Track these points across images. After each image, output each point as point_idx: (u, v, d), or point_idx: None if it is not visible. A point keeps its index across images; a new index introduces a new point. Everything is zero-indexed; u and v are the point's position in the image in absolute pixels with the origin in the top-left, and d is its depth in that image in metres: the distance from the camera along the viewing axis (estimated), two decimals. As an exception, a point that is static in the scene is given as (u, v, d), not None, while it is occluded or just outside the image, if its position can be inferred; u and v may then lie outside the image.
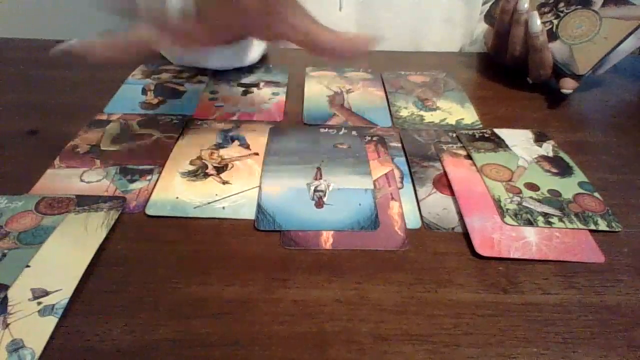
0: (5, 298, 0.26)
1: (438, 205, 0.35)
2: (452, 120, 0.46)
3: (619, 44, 0.47)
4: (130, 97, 0.48)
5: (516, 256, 0.31)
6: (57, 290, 0.27)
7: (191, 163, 0.38)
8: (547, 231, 0.33)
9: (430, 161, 0.39)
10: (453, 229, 0.33)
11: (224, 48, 0.48)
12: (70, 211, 0.32)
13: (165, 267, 0.30)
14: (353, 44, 0.34)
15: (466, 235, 0.32)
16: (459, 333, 0.26)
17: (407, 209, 0.34)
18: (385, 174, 0.38)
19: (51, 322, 0.25)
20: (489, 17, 0.56)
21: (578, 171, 0.39)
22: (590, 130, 0.46)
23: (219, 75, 0.53)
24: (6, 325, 0.25)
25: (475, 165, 0.39)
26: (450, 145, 0.42)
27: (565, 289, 0.29)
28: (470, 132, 0.44)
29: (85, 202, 0.33)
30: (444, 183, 0.37)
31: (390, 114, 0.47)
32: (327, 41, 0.33)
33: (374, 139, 0.42)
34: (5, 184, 0.35)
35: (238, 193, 0.35)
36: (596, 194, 0.36)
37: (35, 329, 0.25)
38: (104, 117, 0.45)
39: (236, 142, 0.41)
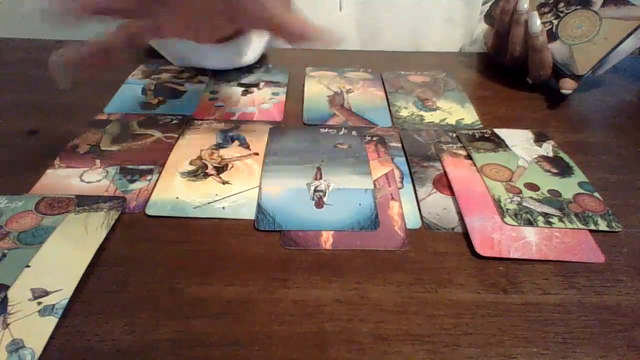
0: (5, 298, 0.26)
1: (438, 205, 0.35)
2: (452, 120, 0.46)
3: (618, 45, 0.47)
4: (130, 97, 0.48)
5: (516, 256, 0.31)
6: (57, 290, 0.27)
7: (191, 163, 0.39)
8: (547, 231, 0.33)
9: (430, 161, 0.39)
10: (453, 229, 0.33)
11: (221, 48, 0.48)
12: (70, 211, 0.32)
13: (165, 267, 0.30)
14: (313, 32, 0.34)
15: (466, 235, 0.32)
16: (459, 333, 0.26)
17: (407, 209, 0.34)
18: (385, 174, 0.38)
19: (51, 322, 0.25)
20: (489, 17, 0.56)
21: (578, 171, 0.39)
22: (590, 130, 0.46)
23: (219, 75, 0.53)
24: (6, 325, 0.25)
25: (475, 165, 0.39)
26: (450, 145, 0.42)
27: (565, 289, 0.29)
28: (470, 132, 0.44)
29: (85, 202, 0.33)
30: (444, 183, 0.37)
31: (390, 114, 0.47)
32: (296, 27, 0.33)
33: (374, 139, 0.42)
34: (5, 184, 0.35)
35: (238, 193, 0.35)
36: (596, 194, 0.36)
37: (35, 329, 0.25)
38: (104, 117, 0.45)
39: (236, 142, 0.41)
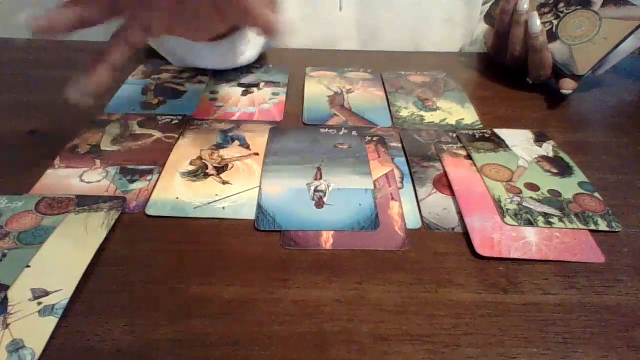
0: (5, 298, 0.26)
1: (438, 205, 0.35)
2: (452, 120, 0.46)
3: (618, 44, 0.47)
4: (130, 97, 0.48)
5: (516, 256, 0.31)
6: (57, 290, 0.27)
7: (191, 163, 0.39)
8: (547, 231, 0.33)
9: (430, 161, 0.39)
10: (453, 229, 0.33)
11: (215, 46, 0.48)
12: (70, 211, 0.32)
13: (165, 267, 0.30)
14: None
15: (466, 235, 0.32)
16: (459, 333, 0.26)
17: (407, 209, 0.34)
18: (385, 174, 0.38)
19: (51, 322, 0.25)
20: (488, 17, 0.56)
21: (578, 171, 0.39)
22: (590, 130, 0.46)
23: (219, 75, 0.53)
24: (6, 325, 0.25)
25: (475, 165, 0.39)
26: (450, 145, 0.42)
27: (565, 289, 0.29)
28: (470, 132, 0.44)
29: (85, 202, 0.33)
30: (444, 183, 0.37)
31: (390, 114, 0.47)
32: (274, 22, 0.33)
33: (374, 139, 0.42)
34: (5, 184, 0.35)
35: (238, 193, 0.35)
36: (596, 194, 0.36)
37: (35, 329, 0.25)
38: (104, 117, 0.45)
39: (236, 142, 0.41)
